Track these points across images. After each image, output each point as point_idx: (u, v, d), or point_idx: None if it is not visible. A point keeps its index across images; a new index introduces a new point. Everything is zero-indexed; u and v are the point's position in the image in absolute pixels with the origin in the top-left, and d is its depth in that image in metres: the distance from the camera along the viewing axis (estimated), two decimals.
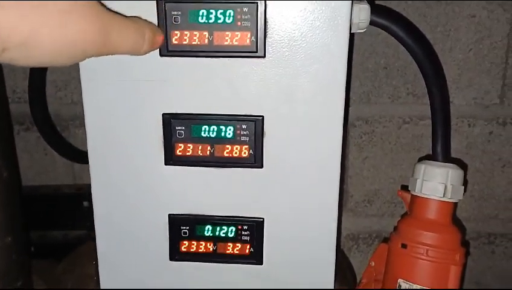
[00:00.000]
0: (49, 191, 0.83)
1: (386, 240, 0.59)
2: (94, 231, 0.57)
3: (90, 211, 0.77)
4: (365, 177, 0.82)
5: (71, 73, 0.79)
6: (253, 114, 0.50)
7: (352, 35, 0.51)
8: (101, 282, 0.58)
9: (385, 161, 0.81)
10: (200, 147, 0.52)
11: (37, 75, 0.62)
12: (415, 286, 0.53)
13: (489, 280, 0.86)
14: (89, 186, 0.81)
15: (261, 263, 0.55)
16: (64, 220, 0.82)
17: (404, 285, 0.54)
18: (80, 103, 0.78)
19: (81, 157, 0.74)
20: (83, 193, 0.81)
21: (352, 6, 0.48)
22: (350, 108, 0.78)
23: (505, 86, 0.76)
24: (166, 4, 0.47)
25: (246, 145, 0.51)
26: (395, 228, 0.58)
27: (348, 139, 0.80)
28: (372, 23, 0.51)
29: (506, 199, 0.82)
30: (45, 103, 0.66)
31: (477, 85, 0.76)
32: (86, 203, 0.81)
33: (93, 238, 0.58)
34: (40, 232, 0.81)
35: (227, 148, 0.51)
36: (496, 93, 0.77)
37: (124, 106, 0.51)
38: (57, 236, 0.82)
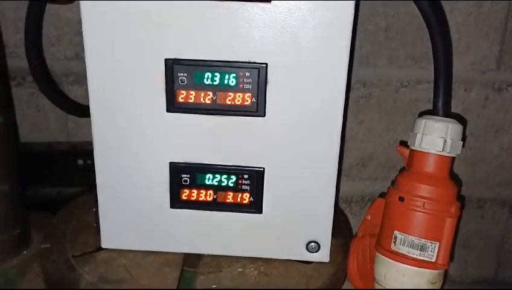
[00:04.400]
0: (42, 148, 0.82)
1: (382, 195, 0.60)
2: (93, 186, 0.57)
3: (85, 169, 0.77)
4: (360, 141, 0.83)
5: (64, 27, 0.77)
6: (257, 61, 0.50)
7: None
8: (101, 229, 0.58)
9: (381, 125, 0.81)
10: (202, 94, 0.51)
11: (34, 21, 0.61)
12: (410, 237, 0.54)
13: (476, 243, 0.88)
14: (84, 144, 0.80)
15: (261, 212, 0.56)
16: (58, 177, 0.82)
17: (400, 236, 0.55)
18: (73, 58, 0.78)
19: (76, 109, 0.73)
20: (78, 151, 0.80)
21: None
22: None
23: (502, 51, 0.76)
24: None
25: (249, 93, 0.51)
26: (393, 182, 0.59)
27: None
28: None
29: (498, 164, 0.83)
30: (41, 48, 0.65)
31: (475, 50, 0.76)
32: (80, 161, 0.80)
33: (93, 188, 0.58)
34: (33, 189, 0.81)
35: (230, 96, 0.51)
36: (494, 58, 0.77)
37: (125, 50, 0.51)
38: (50, 193, 0.82)
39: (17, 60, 0.76)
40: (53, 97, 0.68)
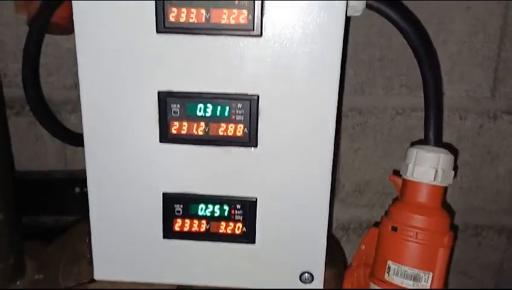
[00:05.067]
0: (41, 176, 0.83)
1: (377, 225, 0.60)
2: (86, 216, 0.57)
3: (82, 197, 0.78)
4: (357, 168, 0.83)
5: (63, 57, 0.79)
6: (249, 93, 0.51)
7: (348, 20, 0.52)
8: (94, 260, 0.58)
9: (377, 152, 0.82)
10: (195, 126, 0.52)
11: (32, 50, 0.62)
12: (403, 267, 0.54)
13: (474, 271, 0.87)
14: (81, 172, 0.81)
15: (254, 243, 0.56)
16: (56, 205, 0.82)
17: (393, 266, 0.54)
18: (72, 87, 0.79)
19: (74, 139, 0.73)
20: (75, 179, 0.81)
21: None
22: (344, 98, 0.79)
23: (496, 79, 0.77)
24: None
25: (241, 124, 0.52)
26: (386, 212, 0.59)
27: (340, 130, 0.81)
28: (368, 6, 0.52)
29: (494, 191, 0.83)
30: (38, 80, 0.66)
31: (469, 78, 0.77)
32: (77, 189, 0.80)
33: (86, 218, 0.58)
34: (31, 217, 0.81)
35: (222, 127, 0.52)
36: (488, 86, 0.78)
37: (119, 83, 0.52)
38: (47, 221, 0.82)
39: (16, 89, 0.78)
40: (50, 127, 0.69)
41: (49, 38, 0.75)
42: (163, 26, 0.49)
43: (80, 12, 0.50)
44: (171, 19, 0.49)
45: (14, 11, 0.77)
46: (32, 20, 0.64)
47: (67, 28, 0.61)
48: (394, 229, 0.55)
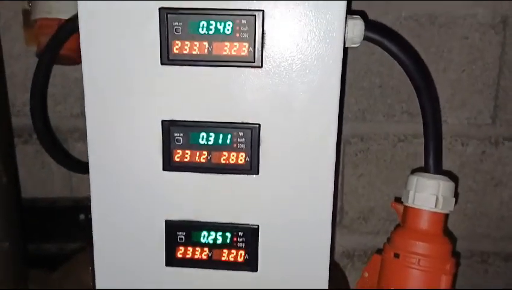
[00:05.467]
0: (46, 203, 0.84)
1: (379, 251, 0.60)
2: (90, 243, 0.58)
3: (86, 224, 0.78)
4: (360, 195, 0.83)
5: (71, 86, 0.81)
6: (250, 122, 0.52)
7: (346, 51, 0.53)
8: (97, 286, 0.58)
9: (380, 178, 0.82)
10: (197, 154, 0.53)
11: (40, 81, 0.64)
12: None
13: None
14: (86, 199, 0.81)
15: (256, 270, 0.56)
16: (61, 233, 0.82)
17: None
18: (78, 116, 0.81)
19: (79, 167, 0.75)
20: (80, 206, 0.81)
21: (346, 21, 0.50)
22: (346, 125, 0.79)
23: (496, 106, 0.78)
24: (168, 15, 0.49)
25: (243, 152, 0.53)
26: (389, 239, 0.59)
27: (343, 157, 0.81)
28: (366, 38, 0.53)
29: (498, 217, 0.82)
30: (46, 110, 0.68)
31: (470, 105, 0.78)
32: (82, 216, 0.81)
33: (89, 246, 0.58)
34: (36, 245, 0.82)
35: (224, 155, 0.53)
36: (488, 113, 0.78)
37: (124, 112, 0.53)
38: (52, 249, 0.82)
39: (24, 118, 0.79)
40: (55, 156, 0.70)
41: (57, 69, 0.77)
42: (167, 58, 0.50)
43: (87, 43, 0.52)
44: (175, 51, 0.50)
45: (24, 43, 0.79)
46: (41, 52, 0.66)
47: (76, 59, 0.62)
48: (396, 256, 0.55)
